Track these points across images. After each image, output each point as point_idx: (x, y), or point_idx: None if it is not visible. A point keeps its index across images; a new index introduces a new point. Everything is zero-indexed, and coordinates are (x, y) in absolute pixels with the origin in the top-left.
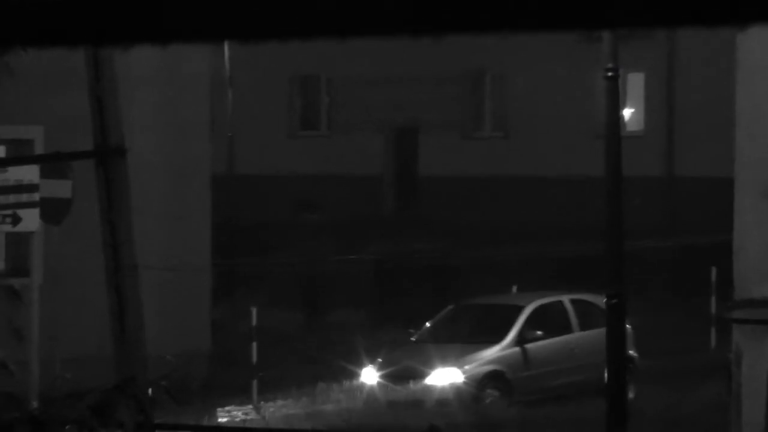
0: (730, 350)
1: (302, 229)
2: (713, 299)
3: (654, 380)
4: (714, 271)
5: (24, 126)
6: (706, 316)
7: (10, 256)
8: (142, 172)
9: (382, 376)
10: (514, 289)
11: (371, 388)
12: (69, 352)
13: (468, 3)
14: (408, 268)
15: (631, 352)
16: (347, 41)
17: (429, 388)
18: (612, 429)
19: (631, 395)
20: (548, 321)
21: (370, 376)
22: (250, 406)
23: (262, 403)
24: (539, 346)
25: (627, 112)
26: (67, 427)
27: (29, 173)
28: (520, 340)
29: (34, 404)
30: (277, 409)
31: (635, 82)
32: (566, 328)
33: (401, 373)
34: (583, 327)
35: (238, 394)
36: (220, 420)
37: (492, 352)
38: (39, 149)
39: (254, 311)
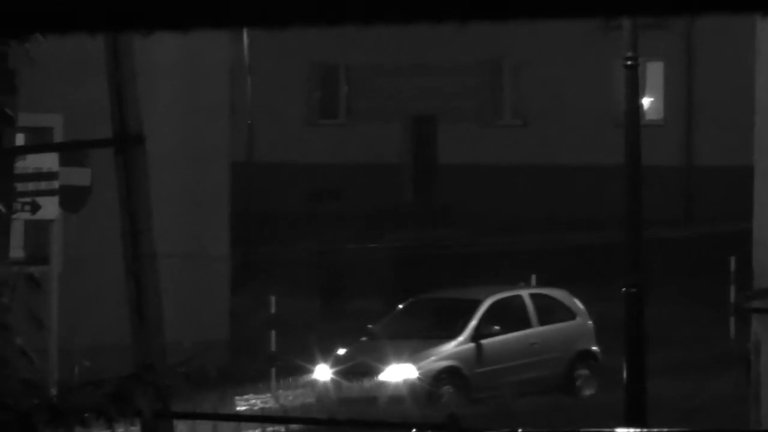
0: (749, 340)
1: (321, 218)
2: (732, 289)
3: (672, 370)
4: (733, 260)
5: (43, 114)
6: (725, 306)
7: (29, 244)
8: (161, 160)
9: (335, 373)
10: (534, 278)
11: (324, 384)
12: (88, 339)
13: None
14: (427, 256)
15: (594, 348)
16: (367, 29)
17: (382, 385)
18: (631, 420)
19: (592, 392)
20: (507, 316)
21: (323, 372)
22: (269, 395)
23: (280, 391)
24: (497, 341)
25: (646, 101)
26: (85, 414)
27: (48, 161)
28: (477, 336)
29: (53, 392)
30: (296, 397)
31: (654, 71)
32: (525, 323)
33: (354, 370)
34: (543, 322)
35: (257, 383)
36: (238, 408)
37: (448, 347)
38: (58, 137)
39: (273, 299)
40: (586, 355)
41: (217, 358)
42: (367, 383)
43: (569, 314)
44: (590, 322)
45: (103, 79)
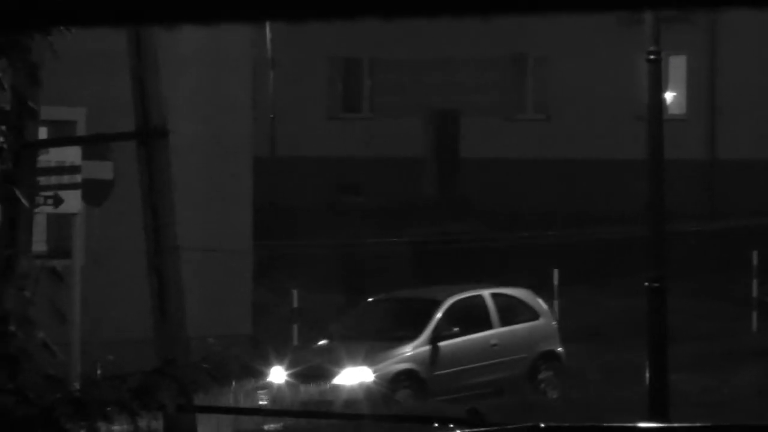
0: None
1: (343, 212)
2: (754, 283)
3: (694, 364)
4: (755, 254)
5: (66, 107)
6: (747, 300)
7: (51, 238)
8: (183, 154)
9: (290, 375)
10: (556, 273)
11: (278, 387)
12: (110, 333)
13: None
14: (449, 250)
15: (558, 348)
16: (391, 22)
17: (337, 388)
18: (653, 414)
19: (555, 395)
20: (467, 316)
21: (278, 375)
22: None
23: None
24: (456, 342)
25: (669, 95)
26: (108, 408)
27: (71, 155)
28: (436, 337)
29: (76, 386)
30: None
31: (677, 65)
32: (486, 324)
33: (309, 372)
34: (505, 322)
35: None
36: (261, 402)
37: (405, 350)
38: (81, 131)
39: (295, 293)
40: (549, 356)
41: (241, 351)
42: (322, 386)
43: (532, 314)
44: (554, 323)
45: (127, 73)
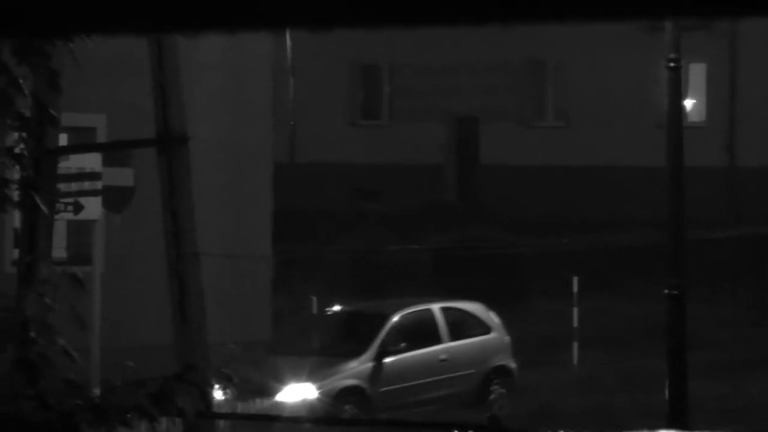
0: None
1: (363, 218)
2: None
3: (713, 372)
4: None
5: (86, 114)
6: (766, 307)
7: (72, 245)
8: (203, 160)
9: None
10: (575, 280)
11: (218, 403)
12: (130, 339)
13: None
14: (468, 257)
15: (510, 363)
16: (411, 30)
17: (279, 405)
18: (673, 421)
19: (506, 410)
20: (415, 331)
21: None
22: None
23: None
24: (404, 358)
25: (689, 103)
26: (127, 414)
27: (91, 161)
28: (383, 353)
29: (96, 391)
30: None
31: (697, 73)
32: (435, 338)
33: (249, 389)
34: (455, 337)
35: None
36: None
37: (351, 365)
38: (101, 137)
39: (314, 300)
40: (501, 371)
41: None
42: (264, 403)
43: (484, 329)
44: (507, 337)
45: (147, 80)
